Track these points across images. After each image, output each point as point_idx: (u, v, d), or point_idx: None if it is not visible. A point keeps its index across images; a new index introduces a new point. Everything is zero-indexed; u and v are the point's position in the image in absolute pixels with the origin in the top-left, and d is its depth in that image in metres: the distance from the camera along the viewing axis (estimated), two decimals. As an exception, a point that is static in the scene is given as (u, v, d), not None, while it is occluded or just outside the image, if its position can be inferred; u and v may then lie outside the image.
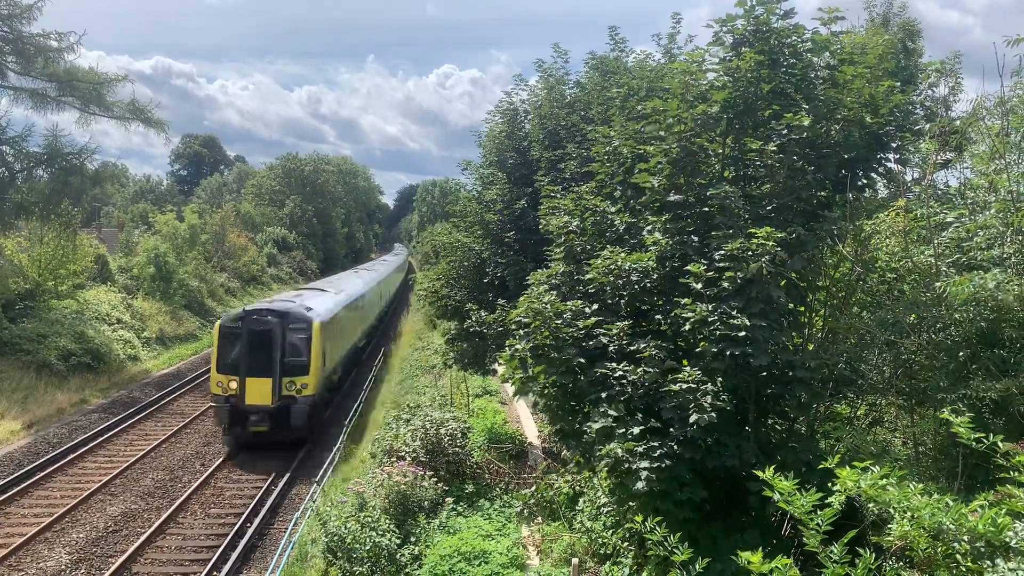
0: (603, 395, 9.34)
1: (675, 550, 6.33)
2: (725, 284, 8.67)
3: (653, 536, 6.69)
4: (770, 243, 8.51)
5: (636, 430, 8.74)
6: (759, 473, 5.89)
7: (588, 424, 9.42)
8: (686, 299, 8.89)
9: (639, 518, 7.16)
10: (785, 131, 9.55)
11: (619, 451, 8.59)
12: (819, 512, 5.45)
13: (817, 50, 10.26)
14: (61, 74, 30.37)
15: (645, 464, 8.39)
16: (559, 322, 9.94)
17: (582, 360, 9.70)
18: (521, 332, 10.57)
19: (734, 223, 9.12)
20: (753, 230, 8.74)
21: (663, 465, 8.39)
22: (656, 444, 8.53)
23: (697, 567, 6.34)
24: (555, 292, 10.77)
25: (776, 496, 5.72)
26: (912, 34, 23.11)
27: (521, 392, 11.52)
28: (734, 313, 8.46)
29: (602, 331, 9.77)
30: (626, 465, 8.56)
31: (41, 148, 30.16)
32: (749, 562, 5.46)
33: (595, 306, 10.24)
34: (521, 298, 10.95)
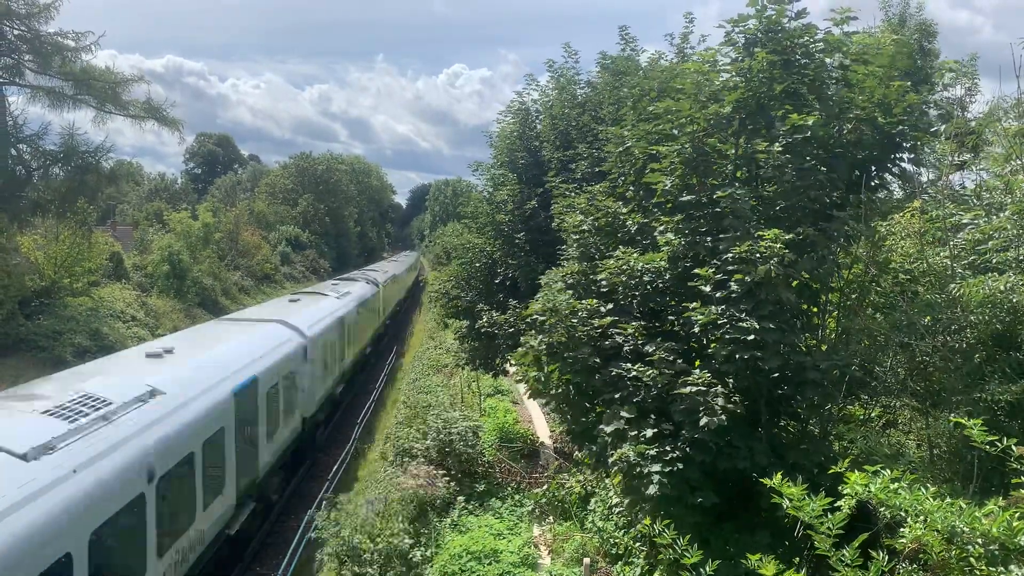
0: (616, 396, 9.33)
1: (685, 552, 6.33)
2: (734, 287, 8.65)
3: (663, 539, 6.68)
4: (778, 245, 8.48)
5: (649, 433, 8.73)
6: (767, 481, 5.86)
7: (601, 426, 9.41)
8: (695, 302, 8.87)
9: (648, 521, 7.15)
10: (789, 131, 9.51)
11: (631, 455, 8.57)
12: (829, 516, 5.43)
13: (829, 50, 10.21)
14: (78, 73, 30.56)
15: (657, 468, 8.38)
16: (575, 320, 9.93)
17: (597, 360, 9.68)
18: (534, 331, 10.58)
19: (743, 225, 9.09)
20: (761, 232, 8.70)
21: (675, 469, 8.37)
22: (668, 448, 8.52)
23: (707, 569, 6.32)
24: (571, 291, 10.77)
25: (785, 503, 5.69)
26: (929, 34, 22.95)
27: (535, 395, 11.53)
28: (743, 316, 8.43)
29: (617, 331, 9.76)
30: (638, 469, 8.55)
31: (57, 146, 30.35)
32: (759, 566, 5.46)
33: (609, 306, 10.23)
34: (537, 295, 10.97)
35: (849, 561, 5.21)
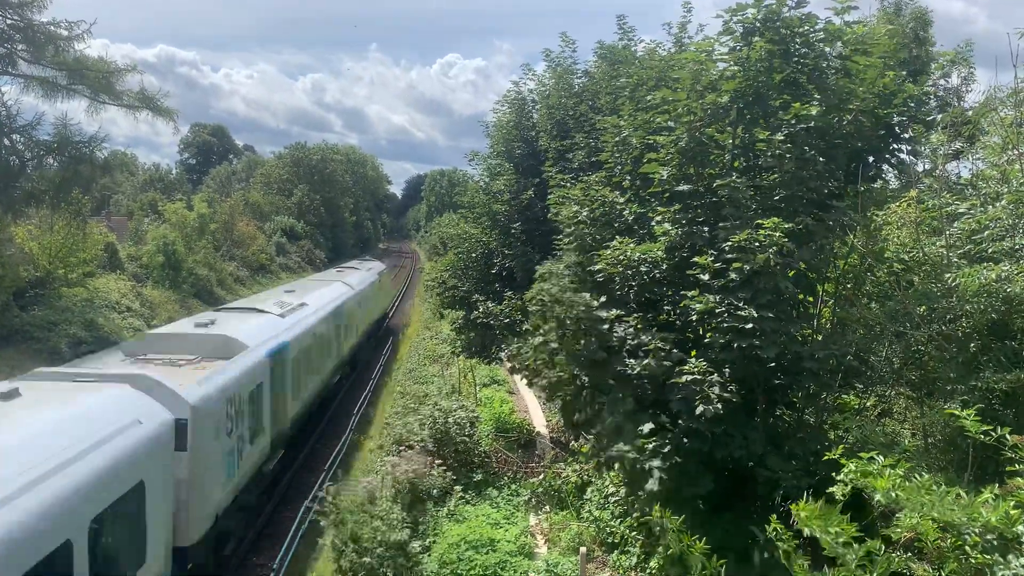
0: (620, 393, 9.35)
1: (690, 547, 6.39)
2: (732, 275, 8.65)
3: (673, 523, 6.72)
4: (777, 234, 8.48)
5: (646, 429, 8.74)
6: (797, 507, 5.60)
7: (603, 413, 9.42)
8: (693, 291, 8.88)
9: (658, 510, 7.16)
10: (793, 120, 9.49)
11: (630, 453, 8.60)
12: (855, 547, 5.26)
13: (829, 40, 10.17)
14: (71, 63, 30.31)
15: (657, 463, 8.40)
16: (580, 311, 9.94)
17: (604, 354, 9.69)
18: (543, 317, 10.51)
19: (742, 214, 9.09)
20: (760, 221, 8.70)
21: (674, 462, 8.41)
22: (668, 439, 8.55)
23: (712, 563, 6.37)
24: (567, 281, 10.77)
25: (810, 531, 5.44)
26: (924, 23, 22.90)
27: (533, 383, 11.52)
28: (741, 304, 8.44)
29: (624, 324, 9.76)
30: (638, 465, 8.58)
31: (51, 137, 30.11)
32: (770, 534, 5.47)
33: (603, 297, 10.21)
34: (533, 287, 10.95)
35: (857, 561, 5.16)
